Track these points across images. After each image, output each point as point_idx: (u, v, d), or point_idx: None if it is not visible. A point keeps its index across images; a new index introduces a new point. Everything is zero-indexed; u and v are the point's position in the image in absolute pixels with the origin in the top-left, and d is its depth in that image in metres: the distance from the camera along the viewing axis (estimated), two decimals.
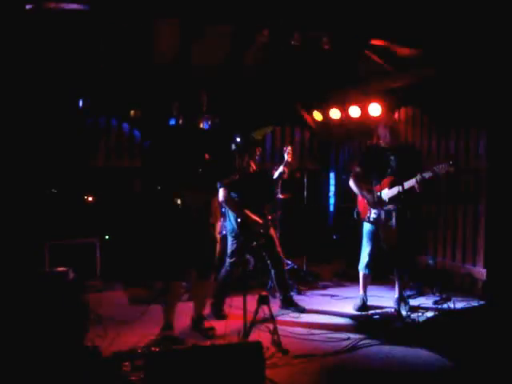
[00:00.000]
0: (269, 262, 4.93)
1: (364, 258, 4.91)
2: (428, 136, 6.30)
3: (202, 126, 4.10)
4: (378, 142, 4.95)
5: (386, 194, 4.70)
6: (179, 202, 3.77)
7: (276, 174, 5.18)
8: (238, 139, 4.75)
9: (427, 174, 4.47)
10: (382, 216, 4.73)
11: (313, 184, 8.13)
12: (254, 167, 4.88)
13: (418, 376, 3.49)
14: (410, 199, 4.69)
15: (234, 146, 4.71)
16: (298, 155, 7.90)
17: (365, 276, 5.00)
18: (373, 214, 4.77)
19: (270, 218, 4.82)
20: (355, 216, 5.01)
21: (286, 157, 5.14)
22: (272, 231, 4.90)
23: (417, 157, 5.11)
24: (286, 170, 5.14)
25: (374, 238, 4.81)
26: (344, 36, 5.13)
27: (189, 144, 3.93)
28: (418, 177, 4.47)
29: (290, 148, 5.21)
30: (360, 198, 4.97)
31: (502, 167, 5.26)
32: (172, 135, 4.08)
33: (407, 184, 4.55)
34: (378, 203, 4.69)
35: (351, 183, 4.99)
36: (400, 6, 4.66)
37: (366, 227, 4.90)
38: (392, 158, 4.74)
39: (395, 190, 4.65)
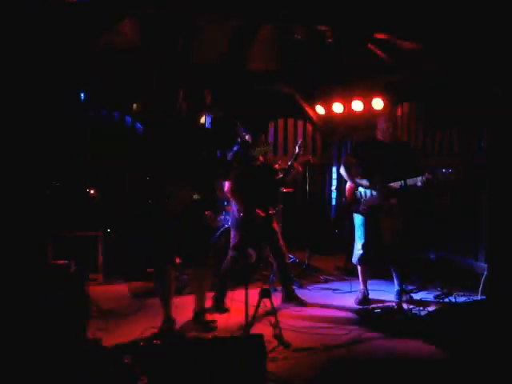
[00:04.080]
0: (271, 255, 4.94)
1: (358, 251, 4.86)
2: (430, 132, 6.27)
3: (203, 120, 4.06)
4: (376, 135, 4.91)
5: (391, 186, 4.67)
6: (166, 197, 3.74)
7: (288, 166, 4.97)
8: (244, 133, 4.69)
9: (430, 176, 4.42)
10: (383, 209, 4.70)
11: (315, 178, 8.12)
12: (261, 160, 4.84)
13: (419, 370, 3.49)
14: (411, 194, 4.66)
15: (238, 140, 4.66)
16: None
17: (362, 270, 4.97)
18: (363, 204, 4.74)
19: (273, 212, 4.80)
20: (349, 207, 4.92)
21: (298, 150, 4.94)
22: (275, 225, 4.90)
23: (413, 154, 5.10)
24: (298, 163, 4.97)
25: (367, 229, 4.76)
26: (347, 30, 5.10)
27: (186, 139, 3.89)
28: (425, 176, 4.43)
29: (301, 141, 5.07)
30: (348, 188, 4.91)
31: (503, 163, 5.24)
32: (171, 128, 4.03)
33: (410, 181, 4.50)
34: (382, 193, 4.67)
35: (342, 171, 4.93)
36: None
37: (358, 219, 4.84)
38: (387, 151, 4.71)
39: (397, 184, 4.63)
